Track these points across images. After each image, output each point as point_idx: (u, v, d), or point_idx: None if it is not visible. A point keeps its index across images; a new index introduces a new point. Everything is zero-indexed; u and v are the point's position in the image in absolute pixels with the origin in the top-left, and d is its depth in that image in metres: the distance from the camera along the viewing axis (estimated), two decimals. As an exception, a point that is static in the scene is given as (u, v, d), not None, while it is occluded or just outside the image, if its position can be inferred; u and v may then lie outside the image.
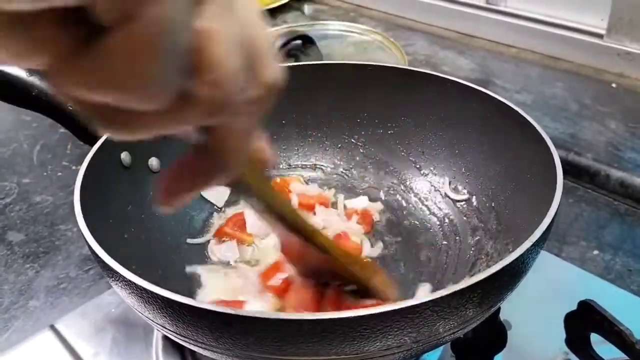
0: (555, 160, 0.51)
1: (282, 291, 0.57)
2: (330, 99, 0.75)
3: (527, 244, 0.41)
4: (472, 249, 0.63)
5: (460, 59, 1.20)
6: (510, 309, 0.60)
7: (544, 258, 0.72)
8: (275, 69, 0.28)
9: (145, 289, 0.39)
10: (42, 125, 1.08)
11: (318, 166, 0.78)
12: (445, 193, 0.70)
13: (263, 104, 0.29)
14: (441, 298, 0.37)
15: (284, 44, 1.02)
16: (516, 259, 0.40)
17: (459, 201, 0.69)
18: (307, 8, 1.50)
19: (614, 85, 1.07)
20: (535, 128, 0.56)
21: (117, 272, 0.41)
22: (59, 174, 0.95)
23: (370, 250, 0.67)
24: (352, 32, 1.22)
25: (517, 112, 0.59)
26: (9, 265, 0.76)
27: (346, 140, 0.77)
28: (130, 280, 0.40)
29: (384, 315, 0.36)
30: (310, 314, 0.36)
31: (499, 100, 0.61)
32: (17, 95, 0.63)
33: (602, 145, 0.91)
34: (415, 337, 0.39)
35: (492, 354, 0.57)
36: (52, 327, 0.64)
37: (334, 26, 1.23)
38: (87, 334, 0.63)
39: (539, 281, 0.65)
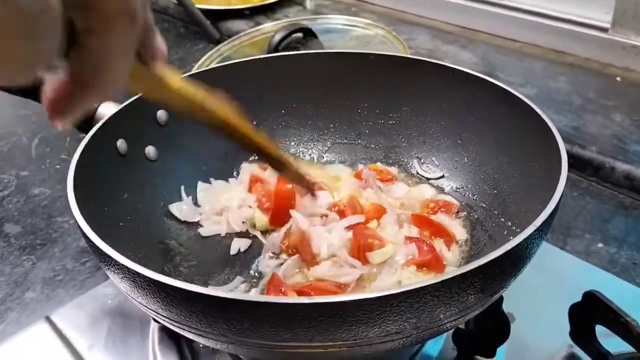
0: (559, 146, 0.50)
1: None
2: (331, 89, 0.74)
3: (530, 229, 0.40)
4: (475, 237, 0.62)
5: (463, 52, 1.18)
6: (514, 301, 0.58)
7: (548, 251, 0.71)
8: None
9: (137, 273, 0.38)
10: (41, 119, 1.07)
11: (317, 157, 0.77)
12: (443, 183, 0.70)
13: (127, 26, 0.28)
14: (442, 282, 0.36)
15: (284, 37, 1.01)
16: (519, 244, 0.39)
17: (460, 190, 0.68)
18: (308, 2, 1.49)
19: (618, 78, 1.06)
20: (540, 116, 0.55)
21: (109, 256, 0.40)
22: (57, 166, 0.94)
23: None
24: (354, 26, 1.20)
25: (521, 100, 0.57)
26: (5, 257, 0.75)
27: (346, 131, 0.76)
28: (122, 264, 0.39)
29: (383, 299, 0.35)
30: (307, 297, 0.35)
31: (504, 89, 0.60)
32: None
33: (607, 138, 0.90)
34: (415, 323, 0.38)
35: (495, 346, 0.55)
36: (48, 319, 0.63)
37: (336, 20, 1.21)
38: (82, 326, 0.62)
39: (543, 274, 0.64)
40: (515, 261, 0.41)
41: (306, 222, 0.62)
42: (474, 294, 0.39)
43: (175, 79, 0.37)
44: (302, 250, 0.60)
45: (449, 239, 0.61)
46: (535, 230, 0.40)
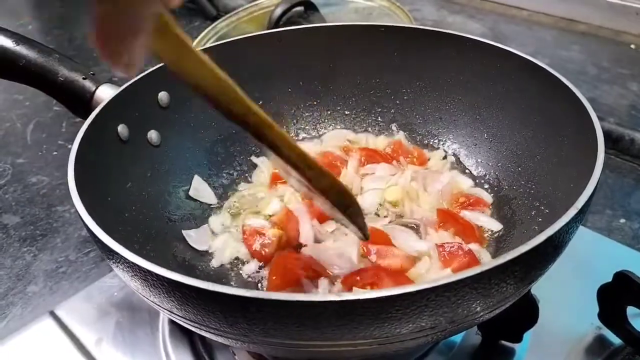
0: (593, 120, 0.47)
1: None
2: (338, 65, 0.70)
3: (572, 211, 0.37)
4: (500, 218, 0.59)
5: (470, 23, 1.14)
6: (537, 282, 0.56)
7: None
8: None
9: (149, 271, 0.35)
10: (35, 103, 1.03)
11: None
12: (463, 163, 0.66)
13: None
14: (481, 274, 0.33)
15: (285, 11, 0.96)
16: (562, 228, 0.36)
17: (479, 169, 0.65)
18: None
19: (633, 46, 1.03)
20: (568, 87, 0.51)
21: (117, 253, 0.37)
22: (55, 153, 0.90)
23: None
24: (356, -3, 1.16)
25: (546, 70, 0.54)
26: (4, 250, 0.72)
27: (356, 109, 0.73)
28: (132, 262, 0.36)
29: (418, 294, 0.32)
30: (335, 294, 0.32)
31: (526, 59, 0.57)
32: (3, 66, 0.58)
33: (625, 108, 0.87)
34: (451, 317, 0.35)
35: (522, 331, 0.53)
36: (52, 314, 0.60)
37: (337, -8, 1.17)
38: (89, 320, 0.60)
39: (565, 253, 0.61)
40: (556, 246, 0.38)
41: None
42: (514, 283, 0.36)
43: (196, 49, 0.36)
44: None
45: (474, 238, 0.57)
46: (577, 212, 0.37)
